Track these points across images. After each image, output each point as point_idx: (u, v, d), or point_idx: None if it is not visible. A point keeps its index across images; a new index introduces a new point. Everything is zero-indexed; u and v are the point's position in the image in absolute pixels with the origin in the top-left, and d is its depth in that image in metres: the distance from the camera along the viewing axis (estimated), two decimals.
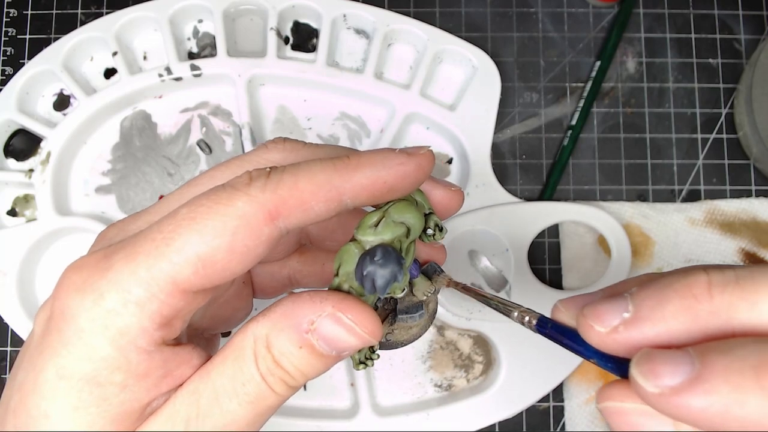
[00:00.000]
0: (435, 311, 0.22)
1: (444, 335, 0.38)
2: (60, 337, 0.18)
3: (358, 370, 0.21)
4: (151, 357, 0.18)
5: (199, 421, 0.18)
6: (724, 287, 0.15)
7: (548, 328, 0.19)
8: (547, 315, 0.19)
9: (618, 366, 0.16)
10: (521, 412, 0.37)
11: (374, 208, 0.21)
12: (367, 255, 0.19)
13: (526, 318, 0.19)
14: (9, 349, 0.38)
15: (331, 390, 0.37)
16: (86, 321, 0.17)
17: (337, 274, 0.20)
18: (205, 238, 0.17)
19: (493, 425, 0.37)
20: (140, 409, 0.18)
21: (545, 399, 0.37)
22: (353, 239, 0.20)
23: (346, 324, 0.18)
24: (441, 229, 0.21)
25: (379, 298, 0.21)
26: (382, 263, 0.19)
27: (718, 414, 0.14)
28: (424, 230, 0.21)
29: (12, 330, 0.38)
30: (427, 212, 0.21)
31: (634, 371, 0.15)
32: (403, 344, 0.21)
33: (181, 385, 0.19)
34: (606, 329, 0.16)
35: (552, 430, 0.37)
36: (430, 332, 0.38)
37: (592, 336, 0.16)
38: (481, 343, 0.38)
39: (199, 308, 0.20)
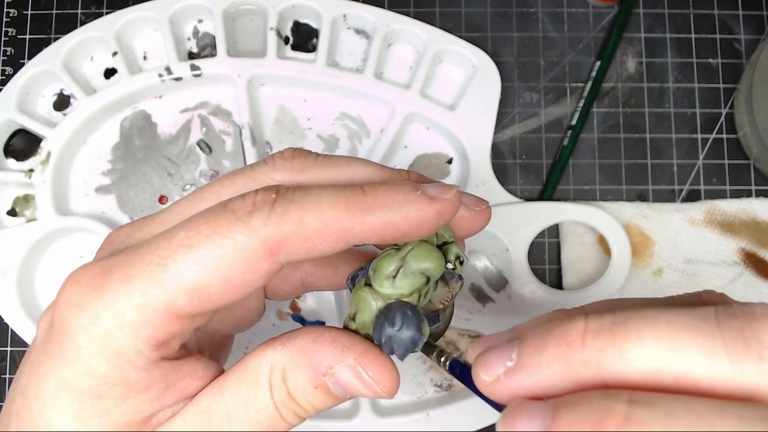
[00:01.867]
0: (451, 316, 0.21)
1: (444, 335, 0.38)
2: (60, 351, 0.18)
3: None
4: (150, 374, 0.18)
5: None
6: (597, 334, 0.15)
7: (457, 371, 0.18)
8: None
9: None
10: None
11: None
12: (386, 319, 0.18)
13: (442, 358, 0.19)
14: (9, 349, 0.38)
15: None
16: (84, 339, 0.17)
17: (353, 319, 0.19)
18: (200, 269, 0.17)
19: (493, 425, 0.37)
20: (143, 420, 0.18)
21: None
22: (369, 284, 0.19)
23: (365, 380, 0.18)
24: (461, 262, 0.20)
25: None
26: (402, 330, 0.18)
27: None
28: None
29: (12, 330, 0.38)
30: (448, 241, 0.20)
31: (498, 425, 0.15)
32: (417, 351, 0.21)
33: (189, 397, 0.19)
34: (490, 378, 0.16)
35: None
36: None
37: (480, 384, 0.17)
38: None
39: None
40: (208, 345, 0.24)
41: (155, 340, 0.17)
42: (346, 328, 0.20)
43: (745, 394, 0.14)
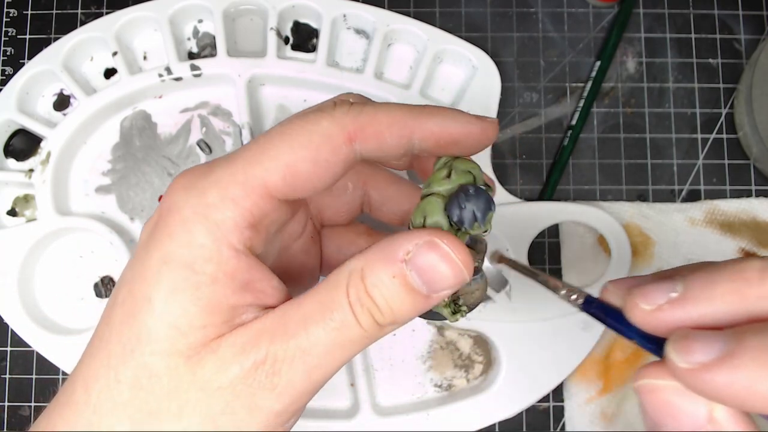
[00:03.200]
0: (484, 292, 0.23)
1: (444, 335, 0.38)
2: (166, 229, 0.20)
3: (453, 321, 0.22)
4: (238, 257, 0.20)
5: (285, 339, 0.19)
6: None
7: (593, 307, 0.19)
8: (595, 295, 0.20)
9: (657, 346, 0.17)
10: (521, 412, 0.37)
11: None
12: (461, 192, 0.20)
13: (573, 296, 0.20)
14: (9, 349, 0.38)
15: (331, 390, 0.37)
16: (189, 212, 0.20)
17: (423, 227, 0.20)
18: (293, 149, 0.20)
19: (493, 425, 0.37)
20: (227, 308, 0.20)
21: (545, 399, 0.37)
22: (427, 195, 0.21)
23: (443, 249, 0.19)
24: (489, 187, 0.22)
25: None
26: (477, 196, 0.20)
27: (743, 389, 0.14)
28: None
29: (12, 330, 0.38)
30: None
31: (669, 347, 0.16)
32: (470, 309, 0.22)
33: (264, 306, 0.21)
34: (651, 307, 0.17)
35: (552, 430, 0.37)
36: (430, 332, 0.38)
37: (636, 314, 0.17)
38: (481, 343, 0.38)
39: (278, 222, 0.22)
40: None
41: (251, 215, 0.20)
42: None
43: None
